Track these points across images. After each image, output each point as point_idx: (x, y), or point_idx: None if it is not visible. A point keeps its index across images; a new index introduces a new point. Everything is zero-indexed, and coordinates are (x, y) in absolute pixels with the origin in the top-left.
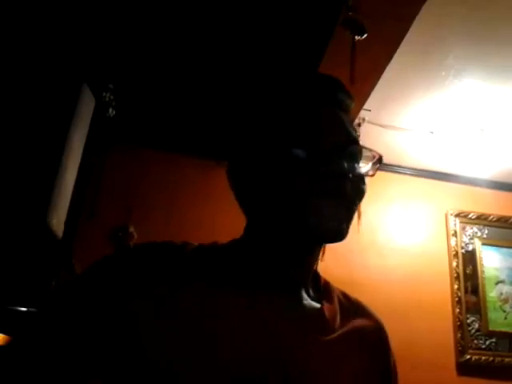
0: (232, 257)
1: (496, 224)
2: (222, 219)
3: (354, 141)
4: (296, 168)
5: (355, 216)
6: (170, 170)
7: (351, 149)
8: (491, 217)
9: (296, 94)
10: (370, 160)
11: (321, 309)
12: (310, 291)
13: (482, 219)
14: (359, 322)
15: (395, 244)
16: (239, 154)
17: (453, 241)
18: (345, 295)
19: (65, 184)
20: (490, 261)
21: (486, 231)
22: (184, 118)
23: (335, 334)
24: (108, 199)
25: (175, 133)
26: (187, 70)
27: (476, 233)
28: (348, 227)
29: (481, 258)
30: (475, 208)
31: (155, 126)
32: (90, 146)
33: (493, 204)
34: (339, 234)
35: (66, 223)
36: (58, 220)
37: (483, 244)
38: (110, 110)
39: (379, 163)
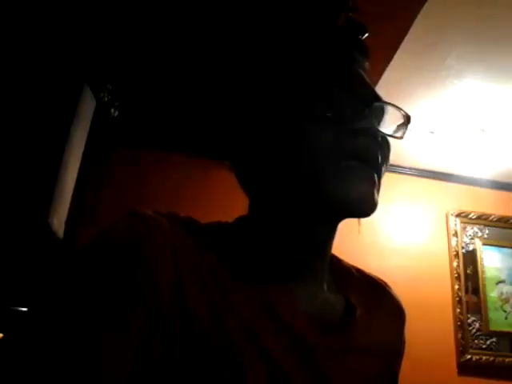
0: (241, 243)
1: (496, 224)
2: (223, 219)
3: (379, 97)
4: (319, 126)
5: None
6: (170, 171)
7: (378, 105)
8: (492, 217)
9: (316, 47)
10: (397, 121)
11: (345, 302)
12: (326, 277)
13: (482, 219)
14: (385, 314)
15: (396, 244)
16: (250, 114)
17: (453, 241)
18: (363, 276)
19: (66, 184)
20: (491, 261)
21: (487, 231)
22: (184, 118)
23: (362, 339)
24: (109, 199)
25: (176, 133)
26: (187, 70)
27: (476, 233)
28: (377, 199)
29: (481, 258)
30: (476, 208)
31: (156, 126)
32: (90, 146)
33: (493, 204)
34: (371, 205)
35: (67, 223)
36: (59, 220)
37: (484, 244)
38: (113, 110)
39: (407, 124)
